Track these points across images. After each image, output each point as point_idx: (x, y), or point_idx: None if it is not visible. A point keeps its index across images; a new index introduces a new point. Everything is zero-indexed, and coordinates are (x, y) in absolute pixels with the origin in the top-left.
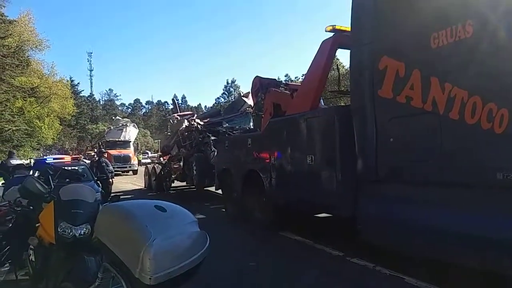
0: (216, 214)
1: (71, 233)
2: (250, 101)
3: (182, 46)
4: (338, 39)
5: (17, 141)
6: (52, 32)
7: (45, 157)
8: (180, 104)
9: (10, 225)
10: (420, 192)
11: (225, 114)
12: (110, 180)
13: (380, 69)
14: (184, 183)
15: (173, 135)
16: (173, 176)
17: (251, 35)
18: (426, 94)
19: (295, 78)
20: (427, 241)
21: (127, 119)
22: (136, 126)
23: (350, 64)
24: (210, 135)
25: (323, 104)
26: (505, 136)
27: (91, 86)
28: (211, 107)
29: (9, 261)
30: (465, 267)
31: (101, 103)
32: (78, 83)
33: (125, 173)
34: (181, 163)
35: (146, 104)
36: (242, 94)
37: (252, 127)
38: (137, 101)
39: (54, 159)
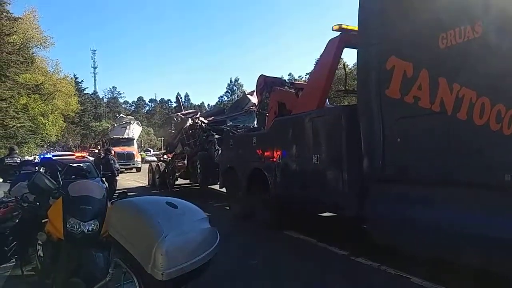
0: (220, 212)
1: (79, 229)
2: (254, 99)
3: (186, 46)
4: (345, 38)
5: (21, 137)
6: (56, 30)
7: (46, 153)
8: (183, 102)
9: (17, 220)
10: (427, 192)
11: (229, 113)
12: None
13: (388, 69)
14: (188, 181)
15: (177, 133)
16: (176, 174)
17: (255, 36)
18: (434, 94)
19: (299, 77)
20: (433, 241)
21: (130, 117)
22: (140, 124)
23: (357, 64)
24: (214, 133)
25: (328, 103)
26: None
27: (95, 84)
28: (214, 105)
29: (15, 256)
30: (471, 267)
31: (104, 101)
32: (82, 81)
33: (129, 171)
34: (185, 161)
35: (149, 102)
36: (247, 92)
37: (256, 125)
38: (140, 99)
39: (59, 156)
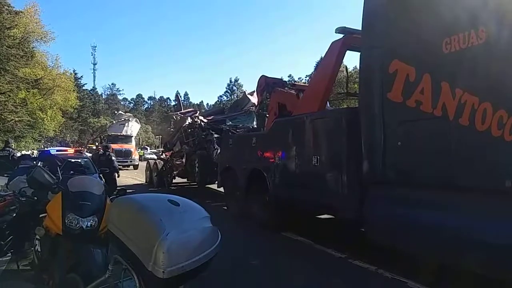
0: (217, 212)
1: (78, 225)
2: (254, 99)
3: (186, 45)
4: (347, 41)
5: (19, 132)
6: (57, 25)
7: (48, 148)
8: (183, 101)
9: (14, 215)
10: (426, 196)
11: (229, 112)
12: (116, 174)
13: (390, 73)
14: (185, 180)
15: (176, 132)
16: (174, 172)
17: (255, 37)
18: (436, 99)
19: (299, 79)
20: (431, 245)
21: (129, 114)
22: (138, 121)
23: (359, 67)
24: (213, 132)
25: (329, 105)
26: None
27: (94, 80)
28: (213, 105)
29: (11, 250)
30: (469, 272)
31: (103, 97)
32: (81, 77)
33: (126, 168)
34: (184, 160)
35: (148, 99)
36: (247, 93)
37: (255, 126)
38: (139, 96)
39: (57, 151)
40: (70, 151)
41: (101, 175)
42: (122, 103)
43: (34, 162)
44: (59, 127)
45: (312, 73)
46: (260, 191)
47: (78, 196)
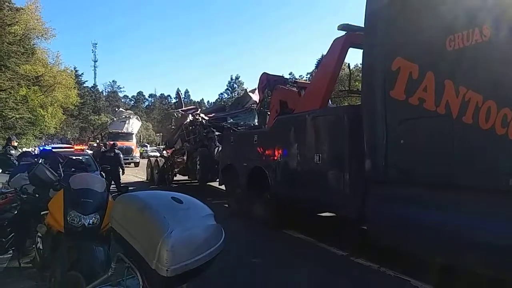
0: (218, 209)
1: (80, 222)
2: (255, 97)
3: (187, 42)
4: (350, 38)
5: (20, 129)
6: (58, 22)
7: (46, 145)
8: (183, 98)
9: (15, 212)
10: (429, 195)
11: (230, 110)
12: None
13: (393, 70)
14: (186, 177)
15: (177, 129)
16: (175, 170)
17: (257, 35)
18: (440, 97)
19: (299, 76)
20: (433, 244)
21: (130, 111)
22: (139, 119)
23: (362, 64)
24: (215, 130)
25: (330, 103)
26: None
27: (95, 77)
28: (214, 102)
29: (13, 248)
30: (471, 271)
31: (104, 95)
32: (82, 74)
33: (127, 165)
34: (185, 157)
35: (149, 97)
36: (248, 90)
37: (256, 123)
38: (140, 93)
39: (58, 148)
40: (76, 148)
41: (102, 172)
42: (123, 100)
43: (36, 159)
44: (60, 124)
45: (313, 70)
46: (262, 189)
47: (80, 193)
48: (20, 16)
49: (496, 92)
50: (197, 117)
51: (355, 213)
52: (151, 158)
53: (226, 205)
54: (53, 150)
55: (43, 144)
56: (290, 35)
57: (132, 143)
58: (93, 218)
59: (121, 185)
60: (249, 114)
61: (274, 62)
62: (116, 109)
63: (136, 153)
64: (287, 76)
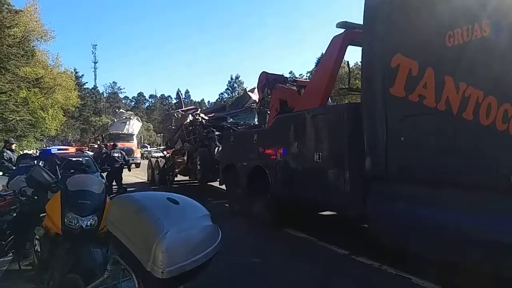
0: (219, 209)
1: (78, 224)
2: (255, 96)
3: (186, 42)
4: (349, 35)
5: (21, 131)
6: (57, 23)
7: (49, 147)
8: (184, 99)
9: (15, 214)
10: (430, 192)
11: (230, 110)
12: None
13: (393, 67)
14: (187, 178)
15: (177, 129)
16: (176, 170)
17: (256, 33)
18: (440, 93)
19: (300, 75)
20: (435, 242)
21: (130, 112)
22: (140, 120)
23: (361, 62)
24: (215, 130)
25: (330, 101)
26: None
27: (95, 79)
28: (214, 102)
29: (13, 250)
30: (473, 269)
31: (104, 96)
32: (82, 75)
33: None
34: (185, 158)
35: (149, 97)
36: (248, 89)
37: (256, 123)
38: (140, 94)
39: (58, 149)
40: (71, 150)
41: (102, 173)
42: (123, 101)
43: (35, 162)
44: (61, 126)
45: (313, 69)
46: (262, 188)
47: (77, 195)
48: (20, 18)
49: (496, 87)
50: (197, 117)
51: (355, 211)
52: (152, 159)
53: (227, 205)
54: (54, 152)
55: (45, 146)
56: (289, 33)
57: (133, 144)
58: (91, 220)
59: (121, 186)
60: (249, 114)
61: (274, 61)
62: (117, 110)
63: (137, 154)
64: (287, 75)
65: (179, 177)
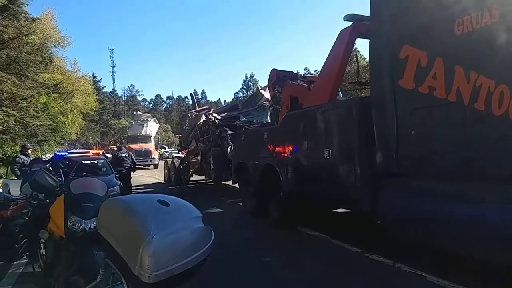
0: (233, 208)
1: (81, 227)
2: (267, 94)
3: (202, 44)
4: (357, 28)
5: (42, 136)
6: (74, 29)
7: (62, 151)
8: (200, 99)
9: (27, 218)
10: (442, 186)
11: (243, 108)
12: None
13: (401, 59)
14: (203, 177)
15: (191, 130)
16: (191, 170)
17: (273, 34)
18: (450, 84)
19: (315, 71)
20: (449, 237)
21: (148, 114)
22: (157, 121)
23: (369, 54)
24: (227, 129)
25: (341, 96)
26: None
27: (113, 82)
28: (230, 101)
29: (27, 253)
30: (489, 264)
31: (123, 99)
32: (101, 79)
33: (146, 167)
34: (199, 157)
35: (167, 99)
36: (260, 88)
37: (269, 120)
38: (158, 96)
39: (69, 153)
40: (92, 152)
41: (117, 175)
42: (141, 104)
43: (47, 165)
44: (81, 129)
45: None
46: (274, 187)
47: (80, 198)
48: (37, 25)
49: (509, 76)
50: (210, 117)
51: (367, 205)
52: (167, 159)
53: (241, 204)
54: (65, 155)
55: (66, 149)
56: (304, 30)
57: (151, 145)
58: (94, 223)
59: (129, 187)
60: (261, 112)
61: (288, 57)
62: (135, 113)
63: (155, 155)
64: (302, 71)
65: (195, 177)
